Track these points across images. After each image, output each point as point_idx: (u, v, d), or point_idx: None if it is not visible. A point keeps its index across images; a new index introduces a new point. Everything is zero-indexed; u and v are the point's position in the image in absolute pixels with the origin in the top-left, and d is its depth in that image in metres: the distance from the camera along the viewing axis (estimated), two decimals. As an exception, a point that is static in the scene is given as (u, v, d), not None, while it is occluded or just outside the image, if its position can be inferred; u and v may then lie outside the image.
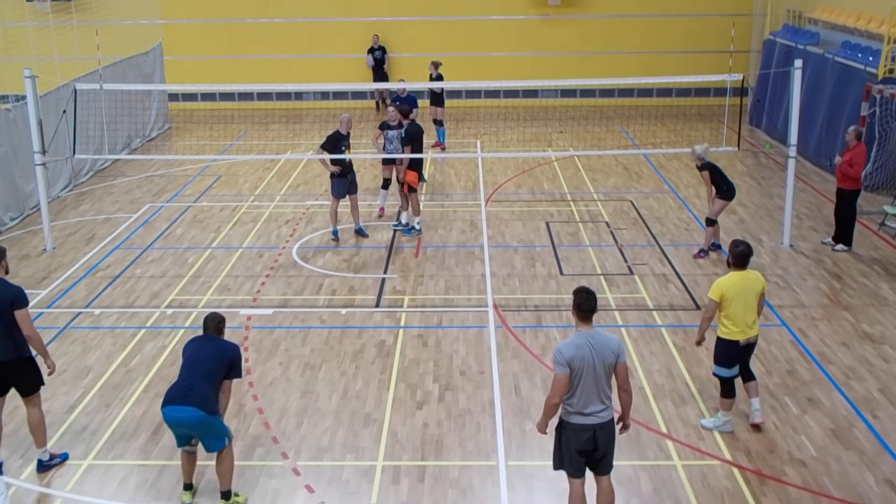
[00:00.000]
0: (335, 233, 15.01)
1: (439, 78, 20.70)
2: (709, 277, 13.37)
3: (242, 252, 14.76)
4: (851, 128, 14.47)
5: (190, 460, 8.28)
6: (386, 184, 16.26)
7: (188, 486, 8.33)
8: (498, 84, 25.46)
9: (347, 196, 14.89)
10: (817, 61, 19.60)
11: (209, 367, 8.00)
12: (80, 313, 12.45)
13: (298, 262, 14.24)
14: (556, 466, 7.56)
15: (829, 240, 14.63)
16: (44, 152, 14.69)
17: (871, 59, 17.77)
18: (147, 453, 9.07)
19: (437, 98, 21.19)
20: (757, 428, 9.29)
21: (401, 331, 11.76)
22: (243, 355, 11.02)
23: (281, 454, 9.01)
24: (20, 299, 8.39)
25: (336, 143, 14.56)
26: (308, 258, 14.40)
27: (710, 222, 14.15)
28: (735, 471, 8.64)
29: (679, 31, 25.90)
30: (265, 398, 10.08)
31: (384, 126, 15.67)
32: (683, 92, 25.57)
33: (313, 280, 13.53)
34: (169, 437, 9.26)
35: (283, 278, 13.61)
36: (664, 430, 9.35)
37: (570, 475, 7.48)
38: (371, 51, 25.29)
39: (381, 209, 16.42)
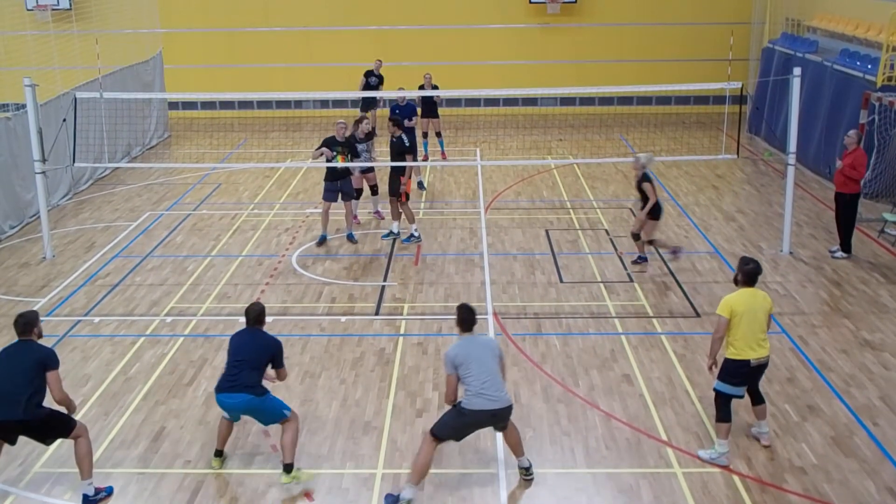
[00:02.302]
0: (322, 237, 15.11)
1: (434, 89, 20.10)
2: (708, 285, 13.39)
3: (242, 260, 14.76)
4: (852, 131, 14.51)
5: (228, 428, 8.80)
6: (374, 190, 16.40)
7: (219, 453, 8.84)
8: (497, 92, 25.48)
9: (342, 202, 14.97)
10: (816, 69, 19.64)
11: (251, 358, 8.51)
12: (79, 321, 12.44)
13: (298, 270, 14.24)
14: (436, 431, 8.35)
15: (838, 249, 14.55)
16: (44, 161, 14.70)
17: (869, 66, 17.80)
18: (146, 461, 9.05)
19: (431, 109, 20.37)
20: (766, 448, 9.07)
21: (400, 338, 11.75)
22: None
23: (281, 462, 8.98)
24: (52, 361, 8.22)
25: (329, 148, 14.71)
26: (308, 266, 14.39)
27: (636, 237, 13.96)
28: (735, 478, 8.63)
29: (678, 40, 25.95)
30: (265, 406, 10.06)
31: (354, 140, 15.40)
32: (682, 100, 25.62)
33: (313, 288, 13.53)
34: (168, 445, 9.29)
35: (283, 286, 13.61)
36: (664, 437, 9.34)
37: (441, 439, 8.35)
38: (368, 75, 21.66)
39: (378, 212, 16.55)
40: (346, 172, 14.93)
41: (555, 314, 12.43)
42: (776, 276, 13.76)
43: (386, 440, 9.35)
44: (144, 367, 11.08)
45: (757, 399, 9.15)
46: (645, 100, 26.13)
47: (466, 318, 8.38)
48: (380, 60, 21.69)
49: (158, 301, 13.10)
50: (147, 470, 8.91)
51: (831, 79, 18.93)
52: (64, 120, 15.54)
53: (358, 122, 15.72)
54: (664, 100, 26.00)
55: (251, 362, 8.49)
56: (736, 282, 8.94)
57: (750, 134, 23.40)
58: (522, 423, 9.56)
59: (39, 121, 14.58)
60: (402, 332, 11.98)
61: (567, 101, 25.70)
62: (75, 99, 15.52)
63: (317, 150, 14.93)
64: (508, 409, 8.29)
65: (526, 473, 8.65)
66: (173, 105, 25.80)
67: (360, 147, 15.47)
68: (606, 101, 25.55)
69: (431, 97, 20.03)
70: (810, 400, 10.08)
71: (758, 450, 9.07)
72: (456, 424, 8.28)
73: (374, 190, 16.45)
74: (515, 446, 8.60)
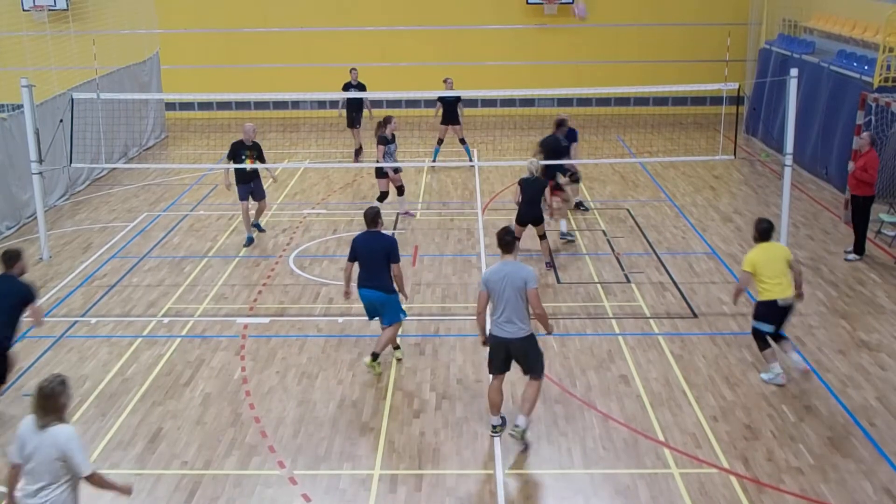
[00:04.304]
0: (249, 239, 15.49)
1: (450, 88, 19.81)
2: (705, 286, 13.40)
3: (239, 261, 14.75)
4: (864, 133, 14.55)
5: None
6: (400, 191, 16.59)
7: (375, 356, 10.57)
8: (494, 93, 25.50)
9: (254, 200, 15.44)
10: (813, 70, 19.66)
11: (376, 258, 10.24)
12: (76, 322, 12.43)
13: (295, 271, 14.24)
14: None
15: (852, 252, 14.50)
16: (40, 161, 14.68)
17: (866, 67, 17.82)
18: (143, 462, 9.04)
19: (452, 115, 19.97)
20: (807, 374, 10.35)
21: (398, 339, 11.73)
22: (240, 364, 11.06)
23: (278, 463, 8.99)
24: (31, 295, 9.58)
25: (237, 151, 15.13)
26: (305, 267, 14.39)
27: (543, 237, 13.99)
28: (732, 479, 8.63)
29: (675, 41, 25.97)
30: (262, 407, 10.06)
31: (384, 141, 15.75)
32: (680, 101, 25.64)
33: (310, 289, 13.52)
34: (165, 446, 9.30)
35: (280, 287, 13.60)
36: (661, 438, 9.34)
37: (492, 372, 9.17)
38: (347, 87, 20.46)
39: (407, 212, 16.80)
40: (255, 174, 15.30)
41: (552, 315, 12.40)
42: (773, 277, 13.76)
43: (383, 441, 9.35)
44: (141, 367, 11.07)
45: (782, 336, 10.47)
46: (642, 101, 26.15)
47: (503, 240, 8.97)
48: (355, 69, 20.70)
49: (155, 302, 13.08)
50: (144, 471, 8.90)
51: (828, 80, 18.95)
52: (61, 120, 15.52)
53: (385, 122, 15.86)
54: (661, 101, 26.02)
55: (379, 263, 10.27)
56: (755, 240, 10.47)
57: (747, 135, 23.43)
58: (520, 424, 9.59)
59: (36, 121, 14.56)
60: (399, 332, 11.95)
61: (564, 101, 25.71)
62: (72, 99, 15.50)
63: (228, 157, 15.35)
64: (521, 342, 8.86)
65: (513, 430, 9.05)
66: (170, 106, 25.78)
67: (391, 147, 15.79)
68: (604, 101, 25.56)
69: (454, 103, 19.86)
70: (807, 400, 10.09)
71: (755, 450, 9.08)
72: (490, 353, 9.12)
73: (401, 190, 16.60)
74: (524, 402, 9.09)
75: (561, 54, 26.28)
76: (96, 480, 6.61)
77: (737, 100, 16.11)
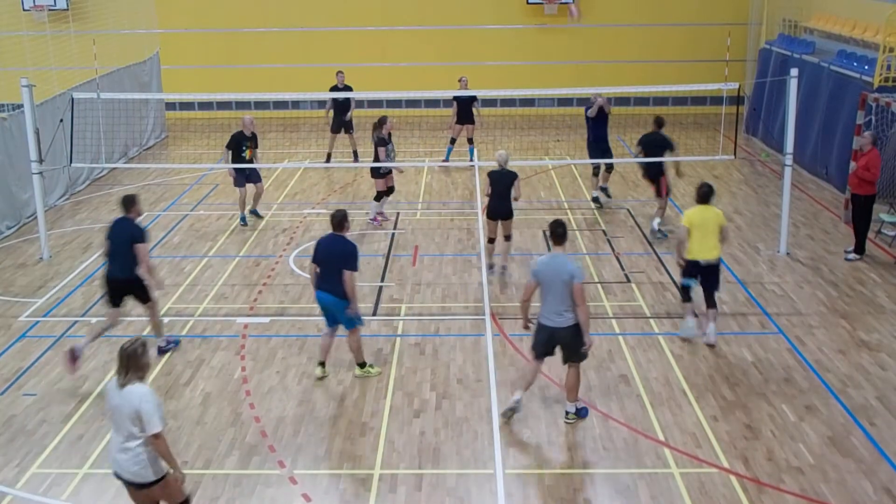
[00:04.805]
0: (242, 219, 16.42)
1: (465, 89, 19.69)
2: (706, 285, 13.40)
3: (239, 261, 14.75)
4: (867, 132, 14.54)
5: (327, 340, 10.61)
6: (389, 191, 16.51)
7: (361, 365, 10.60)
8: (495, 93, 25.47)
9: (250, 183, 16.37)
10: (813, 70, 19.66)
11: (334, 262, 10.13)
12: (76, 322, 12.43)
13: (295, 271, 14.23)
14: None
15: (852, 252, 14.51)
16: (41, 161, 14.68)
17: (866, 67, 17.81)
18: (143, 462, 9.03)
19: (467, 114, 19.89)
20: (711, 347, 11.21)
21: (398, 339, 11.75)
22: (240, 364, 11.06)
23: (278, 463, 8.99)
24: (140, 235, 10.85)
25: (238, 142, 16.05)
26: (305, 267, 14.36)
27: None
28: (732, 479, 8.63)
29: (675, 41, 25.97)
30: (262, 407, 10.06)
31: (383, 142, 15.70)
32: (680, 100, 25.60)
33: (310, 289, 13.37)
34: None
35: (280, 287, 13.60)
36: (661, 437, 9.34)
37: (535, 355, 9.61)
38: (334, 90, 20.05)
39: (382, 214, 16.60)
40: (251, 161, 16.24)
41: (552, 315, 12.42)
42: (773, 277, 13.77)
43: (383, 441, 9.35)
44: (142, 367, 11.05)
45: (710, 303, 11.36)
46: (642, 100, 26.10)
47: (555, 232, 9.34)
48: (341, 72, 20.35)
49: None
50: (144, 470, 8.89)
51: (828, 80, 18.95)
52: (61, 120, 15.52)
53: (381, 123, 15.82)
54: (661, 100, 25.95)
55: (333, 267, 10.13)
56: (696, 201, 11.41)
57: (747, 135, 23.43)
58: (520, 424, 9.60)
59: (36, 121, 14.57)
60: (399, 332, 11.98)
61: (564, 101, 25.70)
62: (72, 99, 15.51)
63: (227, 147, 16.31)
64: (565, 331, 9.21)
65: (566, 416, 9.62)
66: (170, 105, 25.78)
67: (389, 147, 15.83)
68: (604, 101, 25.51)
69: (469, 102, 19.80)
70: (807, 400, 10.09)
71: (755, 450, 9.08)
72: (534, 336, 9.56)
73: (390, 191, 16.52)
74: (568, 390, 9.56)
75: (561, 54, 26.27)
76: (160, 443, 6.94)
77: (737, 100, 16.10)
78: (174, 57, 25.34)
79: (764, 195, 18.28)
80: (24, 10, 25.40)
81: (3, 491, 8.61)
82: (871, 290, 13.23)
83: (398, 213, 16.69)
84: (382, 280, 13.77)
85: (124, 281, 10.87)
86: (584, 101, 17.30)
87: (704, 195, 11.41)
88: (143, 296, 11.05)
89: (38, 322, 12.39)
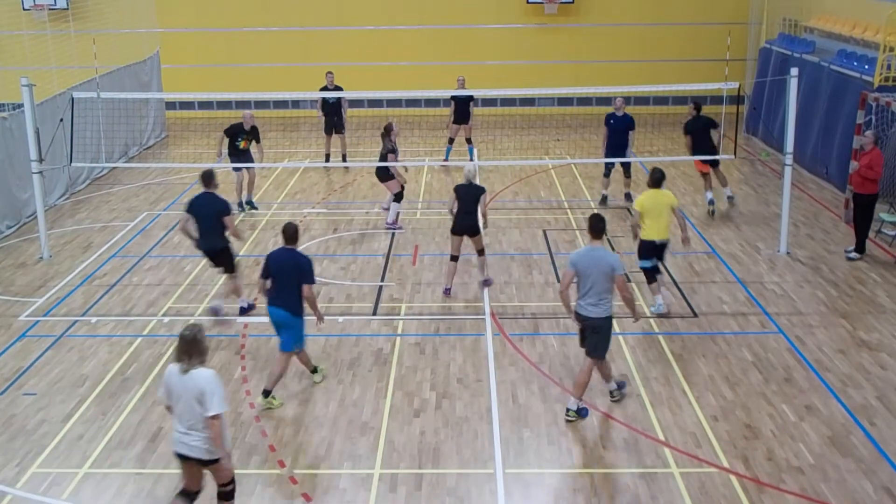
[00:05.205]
0: (240, 205, 17.06)
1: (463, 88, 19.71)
2: (706, 286, 13.40)
3: (239, 260, 14.69)
4: (868, 132, 14.53)
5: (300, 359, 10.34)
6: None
7: (266, 393, 10.01)
8: (494, 92, 25.47)
9: (245, 171, 17.12)
10: (813, 70, 19.65)
11: (287, 276, 9.81)
12: (76, 322, 12.43)
13: (295, 271, 14.21)
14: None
15: (853, 251, 14.49)
16: (41, 160, 14.68)
17: (866, 67, 17.81)
18: (143, 462, 9.04)
19: (464, 114, 19.88)
20: (664, 316, 12.11)
21: (398, 339, 11.75)
22: (240, 363, 11.06)
23: (278, 462, 8.99)
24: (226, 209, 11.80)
25: (236, 134, 16.71)
26: (305, 266, 14.36)
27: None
28: (733, 478, 8.63)
29: (675, 40, 25.96)
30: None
31: (395, 149, 15.73)
32: (680, 100, 25.54)
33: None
34: (165, 445, 9.23)
35: (280, 286, 13.58)
36: (662, 437, 9.34)
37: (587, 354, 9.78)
38: (324, 91, 19.87)
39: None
40: (247, 152, 16.89)
41: (552, 314, 12.43)
42: (773, 276, 13.77)
43: (383, 440, 9.35)
44: (142, 367, 11.07)
45: (659, 272, 12.26)
46: (642, 100, 26.09)
47: (595, 227, 9.59)
48: (331, 73, 20.21)
49: (155, 301, 13.08)
50: (144, 470, 8.90)
51: (828, 79, 18.95)
52: (61, 120, 15.52)
53: (388, 131, 15.76)
54: (661, 100, 25.99)
55: (290, 281, 9.80)
56: (648, 186, 12.06)
57: (747, 134, 23.42)
58: (520, 424, 9.60)
59: (36, 120, 14.56)
60: (399, 332, 11.98)
61: (564, 101, 25.72)
62: (72, 99, 15.50)
63: (225, 132, 16.90)
64: (599, 321, 9.49)
65: (611, 396, 10.01)
66: (170, 105, 25.77)
67: (398, 152, 16.01)
68: (604, 101, 25.39)
69: (466, 102, 19.77)
70: (807, 400, 10.09)
71: (755, 450, 9.08)
72: (581, 330, 9.75)
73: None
74: (576, 385, 9.73)
75: (561, 54, 26.27)
76: (216, 426, 7.12)
77: (737, 99, 16.08)
78: (174, 56, 25.34)
79: (764, 195, 18.28)
80: (24, 9, 25.40)
81: (3, 490, 8.61)
82: (872, 290, 13.23)
83: (398, 213, 16.67)
84: (383, 280, 13.77)
85: (214, 252, 11.99)
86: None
87: (657, 180, 12.03)
88: (230, 265, 12.07)
89: (38, 321, 12.40)
